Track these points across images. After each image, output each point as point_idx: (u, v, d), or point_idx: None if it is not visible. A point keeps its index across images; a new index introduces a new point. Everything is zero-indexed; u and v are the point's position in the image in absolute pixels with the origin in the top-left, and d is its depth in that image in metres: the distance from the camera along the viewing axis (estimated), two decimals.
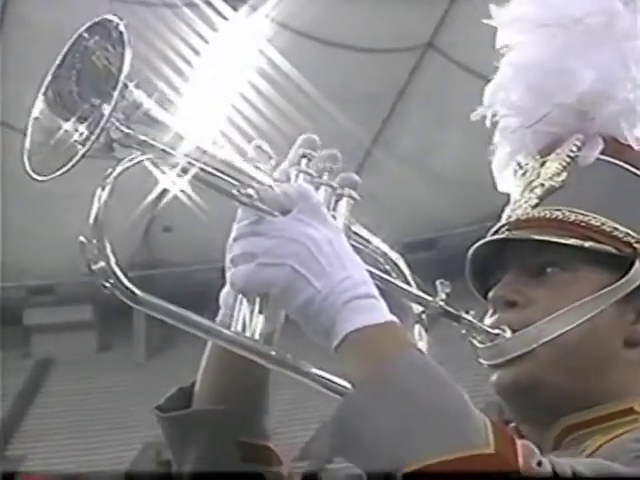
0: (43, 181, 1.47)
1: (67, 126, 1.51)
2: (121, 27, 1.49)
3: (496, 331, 1.81)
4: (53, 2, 20.04)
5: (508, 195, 1.99)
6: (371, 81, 20.48)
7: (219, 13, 19.63)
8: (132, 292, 1.52)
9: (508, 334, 1.80)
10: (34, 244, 22.59)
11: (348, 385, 1.58)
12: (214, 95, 20.03)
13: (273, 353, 1.62)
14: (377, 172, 19.70)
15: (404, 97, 21.30)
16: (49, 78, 1.53)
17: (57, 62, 1.52)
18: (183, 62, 19.69)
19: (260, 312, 1.61)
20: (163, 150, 1.54)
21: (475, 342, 1.82)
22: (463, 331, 1.81)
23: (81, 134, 1.49)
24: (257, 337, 1.61)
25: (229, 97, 20.63)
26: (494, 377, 1.81)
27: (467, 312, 1.81)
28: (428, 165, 21.36)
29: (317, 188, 1.67)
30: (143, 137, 1.52)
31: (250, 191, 1.60)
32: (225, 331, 1.61)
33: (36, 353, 23.98)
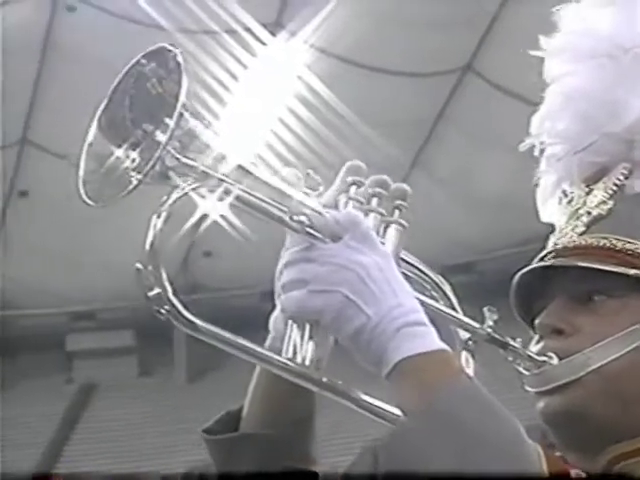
0: (98, 207, 1.48)
1: (119, 152, 1.52)
2: (179, 57, 1.51)
3: (543, 358, 1.81)
4: (94, 31, 20.19)
5: (551, 223, 1.99)
6: (409, 105, 20.46)
7: (258, 39, 19.71)
8: (188, 319, 1.54)
9: (555, 362, 1.80)
10: (76, 270, 22.72)
11: (398, 412, 1.59)
12: (253, 121, 20.08)
13: (324, 379, 1.63)
14: (415, 196, 19.58)
15: (443, 120, 21.26)
16: (103, 105, 1.54)
17: (111, 89, 1.54)
18: (222, 88, 19.78)
19: (310, 338, 1.62)
20: (218, 178, 1.55)
21: (521, 369, 1.82)
22: (510, 358, 1.82)
23: (133, 160, 1.51)
24: (307, 363, 1.62)
25: (268, 123, 20.68)
26: (541, 405, 1.81)
27: (514, 339, 1.81)
28: (466, 188, 21.29)
29: (366, 214, 1.68)
30: (198, 165, 1.54)
31: (301, 218, 1.61)
32: (277, 357, 1.62)
33: (78, 378, 24.06)
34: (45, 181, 21.73)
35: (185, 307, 1.55)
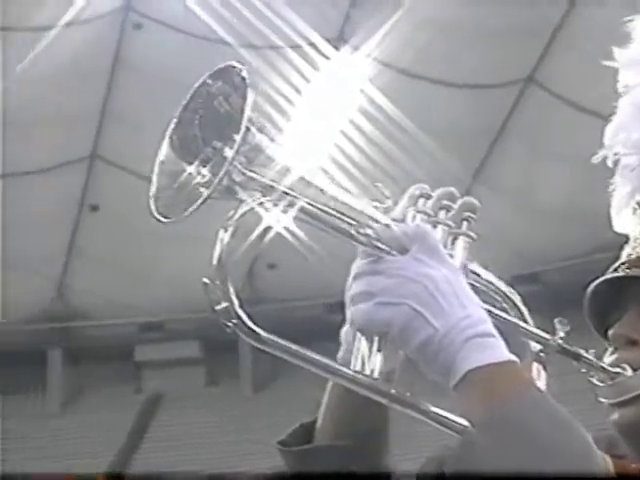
0: (168, 223, 1.48)
1: (190, 169, 1.53)
2: (244, 73, 1.51)
3: (616, 370, 1.78)
4: (161, 48, 20.38)
5: (625, 233, 1.96)
6: (471, 117, 20.39)
7: (321, 53, 19.80)
8: (255, 332, 1.53)
9: (629, 373, 1.77)
10: (145, 282, 22.93)
11: (466, 423, 1.57)
12: (316, 134, 20.15)
13: (392, 391, 1.61)
14: (478, 207, 19.54)
15: (505, 132, 21.16)
16: (174, 123, 1.55)
17: (181, 108, 1.54)
18: (286, 102, 19.87)
19: (379, 350, 1.61)
20: (284, 192, 1.55)
21: (595, 381, 1.79)
22: (582, 369, 1.78)
23: (203, 177, 1.51)
24: (376, 375, 1.60)
25: (331, 136, 20.74)
26: (615, 416, 1.78)
27: (586, 350, 1.78)
28: (530, 200, 21.15)
29: (434, 227, 1.66)
30: (264, 179, 1.53)
31: (368, 231, 1.60)
32: (345, 370, 1.61)
33: (147, 388, 24.25)
34: (115, 195, 21.98)
35: (252, 320, 1.55)
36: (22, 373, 23.15)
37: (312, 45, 19.62)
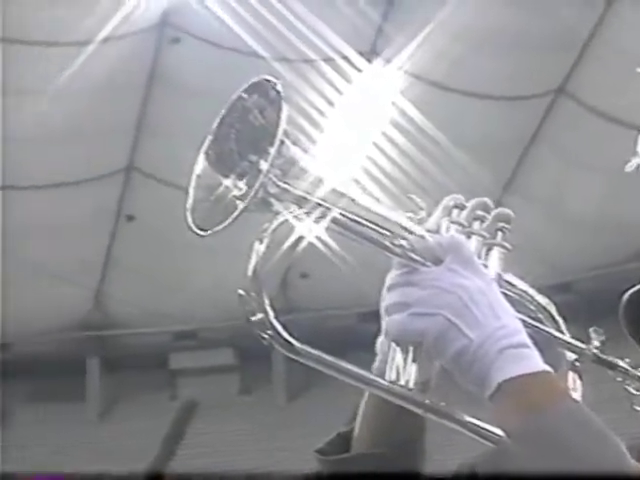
0: (205, 236, 1.48)
1: (227, 182, 1.52)
2: (278, 86, 1.50)
3: None
4: (196, 61, 20.46)
5: None
6: (502, 128, 20.34)
7: (354, 66, 19.83)
8: (290, 343, 1.52)
9: None
10: (179, 291, 23.00)
11: (501, 433, 1.55)
12: (349, 145, 20.16)
13: (427, 401, 1.60)
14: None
15: (536, 143, 21.08)
16: (210, 138, 1.55)
17: (216, 123, 1.54)
18: (319, 114, 19.90)
19: (414, 361, 1.59)
20: (318, 204, 1.54)
21: (630, 389, 1.76)
22: (618, 378, 1.76)
23: (239, 189, 1.50)
24: (411, 386, 1.59)
25: (363, 147, 20.74)
26: None
27: (622, 359, 1.76)
28: (561, 209, 21.06)
29: (468, 237, 1.65)
30: (299, 192, 1.52)
31: (403, 242, 1.58)
32: (380, 380, 1.60)
33: (182, 396, 24.31)
34: (151, 206, 22.08)
35: (287, 331, 1.54)
36: (61, 381, 23.26)
37: (345, 58, 19.65)
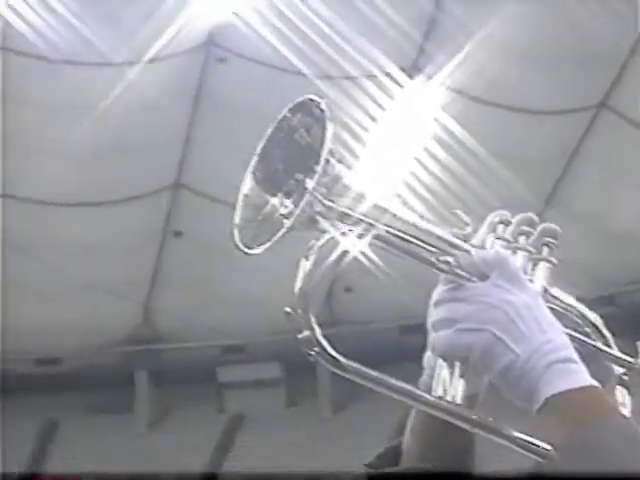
0: (252, 254, 1.48)
1: (274, 201, 1.52)
2: (323, 105, 1.50)
3: None
4: (242, 80, 20.58)
5: None
6: (544, 142, 20.25)
7: (396, 82, 19.85)
8: (337, 360, 1.52)
9: None
10: (226, 305, 23.08)
11: (549, 447, 1.53)
12: (391, 160, 20.17)
13: (475, 417, 1.58)
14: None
15: (577, 157, 20.96)
16: (256, 157, 1.55)
17: (263, 141, 1.54)
18: (362, 129, 19.94)
19: (461, 376, 1.58)
20: (363, 221, 1.53)
21: None
22: None
23: (286, 208, 1.50)
24: (458, 401, 1.58)
25: (406, 162, 20.73)
26: None
27: None
28: (603, 223, 20.90)
29: (514, 252, 1.64)
30: (345, 209, 1.52)
31: (449, 258, 1.58)
32: (427, 396, 1.58)
33: (229, 409, 24.35)
34: (198, 222, 22.19)
35: (333, 347, 1.53)
36: (111, 394, 23.39)
37: (387, 75, 19.68)
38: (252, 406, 23.69)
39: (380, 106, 20.19)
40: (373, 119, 20.21)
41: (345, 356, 1.54)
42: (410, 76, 19.96)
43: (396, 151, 20.63)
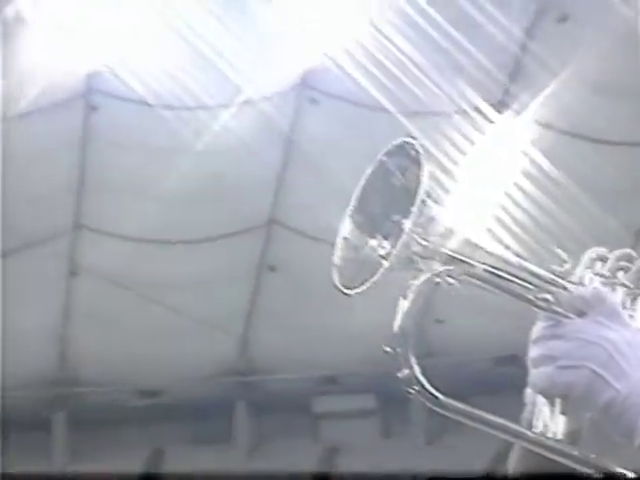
0: (351, 295, 1.48)
1: (372, 242, 1.53)
2: (418, 147, 1.51)
3: None
4: (334, 120, 20.74)
5: None
6: (634, 175, 19.94)
7: (485, 117, 19.83)
8: (437, 398, 1.51)
9: None
10: (321, 338, 23.13)
11: None
12: (481, 195, 20.08)
13: (576, 453, 1.56)
14: None
15: None
16: (354, 201, 1.56)
17: (360, 186, 1.56)
18: (451, 163, 19.93)
19: (562, 413, 1.57)
20: (461, 260, 1.53)
21: None
22: None
23: (383, 248, 1.51)
24: (559, 437, 1.56)
25: (496, 197, 20.63)
26: None
27: None
28: None
29: (613, 288, 1.62)
30: (441, 249, 1.52)
31: (547, 295, 1.57)
32: (528, 433, 1.57)
33: (324, 440, 24.33)
34: (291, 257, 22.35)
35: (433, 386, 1.52)
36: (209, 424, 23.56)
37: (477, 110, 19.64)
38: (347, 436, 23.63)
39: (470, 140, 20.16)
40: (463, 153, 20.19)
41: (442, 392, 1.53)
42: (499, 111, 19.91)
43: (486, 185, 20.56)
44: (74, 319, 22.66)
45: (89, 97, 20.60)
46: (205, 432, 23.60)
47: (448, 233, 1.51)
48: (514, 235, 18.64)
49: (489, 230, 18.09)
